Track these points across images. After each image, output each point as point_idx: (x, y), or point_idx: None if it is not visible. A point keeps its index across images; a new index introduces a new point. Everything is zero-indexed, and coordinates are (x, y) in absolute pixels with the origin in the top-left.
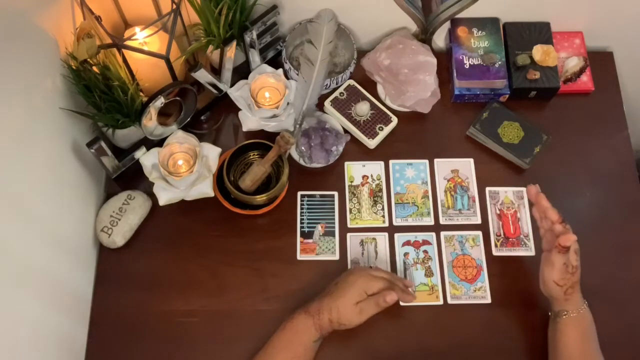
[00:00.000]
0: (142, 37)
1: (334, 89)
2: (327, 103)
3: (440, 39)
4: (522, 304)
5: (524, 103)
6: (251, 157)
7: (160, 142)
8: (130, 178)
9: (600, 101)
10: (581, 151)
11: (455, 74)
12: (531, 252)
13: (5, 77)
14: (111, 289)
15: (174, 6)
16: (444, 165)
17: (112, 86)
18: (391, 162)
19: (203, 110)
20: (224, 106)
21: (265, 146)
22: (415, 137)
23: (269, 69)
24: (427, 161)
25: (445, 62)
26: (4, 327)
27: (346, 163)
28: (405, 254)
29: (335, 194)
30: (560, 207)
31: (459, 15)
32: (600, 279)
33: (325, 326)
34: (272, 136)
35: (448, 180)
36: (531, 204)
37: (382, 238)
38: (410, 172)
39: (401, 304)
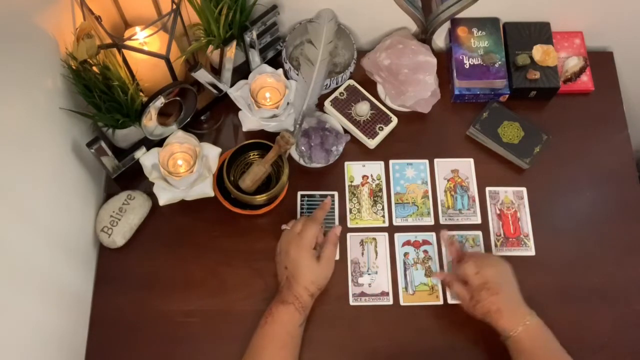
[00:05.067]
0: (142, 37)
1: (334, 89)
2: (327, 103)
3: (440, 39)
4: None
5: (524, 103)
6: (251, 157)
7: (160, 142)
8: (130, 178)
9: (600, 101)
10: (581, 151)
11: (455, 74)
12: (531, 252)
13: (5, 77)
14: (111, 289)
15: (174, 6)
16: (444, 165)
17: (112, 86)
18: (391, 162)
19: (203, 110)
20: (224, 106)
21: (265, 146)
22: (415, 137)
23: (269, 69)
24: (427, 161)
25: (445, 62)
26: (4, 327)
27: (346, 163)
28: (405, 254)
29: (335, 194)
30: (560, 207)
31: (459, 15)
32: (600, 279)
33: (308, 304)
34: (272, 136)
35: (448, 180)
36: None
37: (382, 238)
38: (410, 172)
39: (402, 303)
